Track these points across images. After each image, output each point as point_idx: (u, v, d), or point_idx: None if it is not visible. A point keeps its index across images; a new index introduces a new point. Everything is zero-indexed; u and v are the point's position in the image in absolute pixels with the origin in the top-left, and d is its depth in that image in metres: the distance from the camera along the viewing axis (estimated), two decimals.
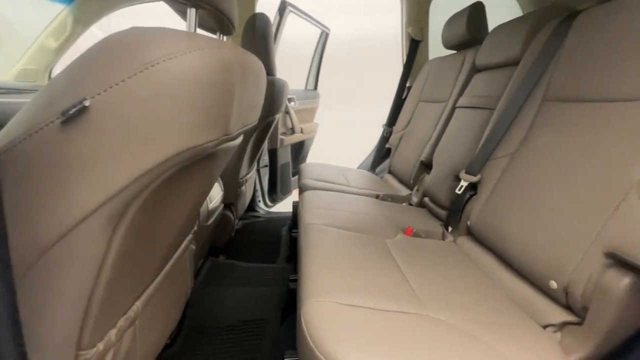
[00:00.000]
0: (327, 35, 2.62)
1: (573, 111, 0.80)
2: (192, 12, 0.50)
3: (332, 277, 0.69)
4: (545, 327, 0.67)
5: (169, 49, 0.37)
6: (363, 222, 1.07)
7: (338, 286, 0.65)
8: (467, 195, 1.05)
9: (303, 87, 2.75)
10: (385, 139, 2.04)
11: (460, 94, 1.38)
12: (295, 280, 1.16)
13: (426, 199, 1.37)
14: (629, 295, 0.57)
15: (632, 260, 0.56)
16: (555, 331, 0.66)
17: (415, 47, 1.89)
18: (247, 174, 1.59)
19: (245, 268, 1.40)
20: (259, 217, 2.08)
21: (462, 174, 1.07)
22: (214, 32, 0.73)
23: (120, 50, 0.36)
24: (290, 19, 2.13)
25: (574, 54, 0.85)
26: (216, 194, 1.26)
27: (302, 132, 2.52)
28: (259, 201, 2.29)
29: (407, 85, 1.96)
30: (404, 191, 1.60)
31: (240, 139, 0.73)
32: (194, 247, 0.92)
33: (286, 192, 2.45)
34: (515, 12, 2.06)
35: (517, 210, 0.83)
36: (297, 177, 2.61)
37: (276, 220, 2.00)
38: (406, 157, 1.67)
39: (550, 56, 0.91)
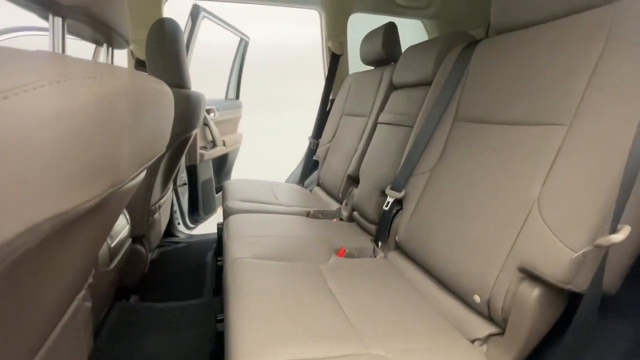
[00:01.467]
0: (246, 43, 2.52)
1: (479, 132, 0.87)
2: (57, 23, 0.37)
3: (265, 326, 0.62)
4: (473, 341, 0.70)
5: (11, 80, 0.26)
6: (295, 247, 1.01)
7: (273, 337, 0.58)
8: (394, 211, 1.08)
9: (223, 97, 2.59)
10: (312, 151, 2.03)
11: (381, 109, 1.44)
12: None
13: (355, 214, 1.39)
14: (540, 304, 0.62)
15: (538, 273, 0.61)
16: (482, 344, 0.70)
17: (335, 60, 1.93)
18: (161, 198, 1.40)
19: (164, 309, 1.22)
20: (179, 242, 1.87)
21: (388, 190, 1.09)
22: (101, 44, 0.59)
23: None
24: (208, 25, 1.98)
25: (476, 79, 0.93)
26: (121, 228, 1.06)
27: (224, 144, 2.36)
28: (179, 224, 2.06)
29: (331, 97, 1.99)
30: (333, 205, 1.60)
31: (144, 174, 0.61)
32: (89, 303, 0.74)
33: (209, 211, 2.26)
34: (422, 33, 2.27)
35: (439, 225, 0.87)
36: (221, 193, 2.43)
37: (199, 245, 1.82)
38: (334, 170, 1.67)
39: (457, 79, 0.98)
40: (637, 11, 0.60)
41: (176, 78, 1.27)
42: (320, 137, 1.99)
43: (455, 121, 0.97)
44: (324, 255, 1.00)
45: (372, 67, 1.73)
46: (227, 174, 2.64)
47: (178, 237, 1.94)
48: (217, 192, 2.39)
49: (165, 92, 0.55)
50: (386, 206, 1.09)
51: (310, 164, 2.05)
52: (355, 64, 2.03)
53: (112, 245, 0.97)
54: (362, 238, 1.21)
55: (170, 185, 1.59)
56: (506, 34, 0.88)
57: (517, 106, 0.78)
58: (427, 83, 1.18)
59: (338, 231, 1.25)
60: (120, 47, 0.58)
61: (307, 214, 1.42)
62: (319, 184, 1.90)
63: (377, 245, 1.13)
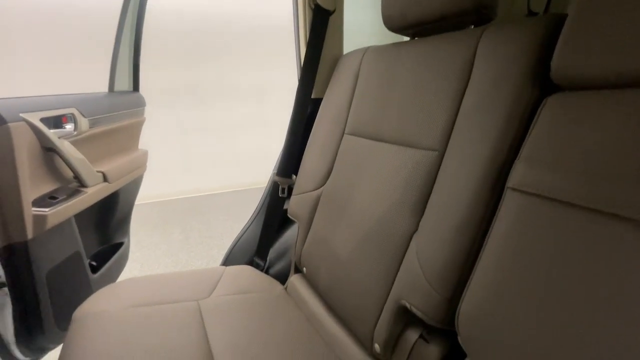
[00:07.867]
0: None
1: None
2: None
3: None
4: None
5: None
6: None
7: None
8: None
9: (106, 88, 1.44)
10: (278, 200, 1.05)
11: (513, 140, 0.53)
12: None
13: None
14: None
15: None
16: None
17: (322, 23, 0.97)
18: None
19: None
20: None
21: None
22: None
23: None
24: None
25: None
26: None
27: (105, 179, 1.25)
28: None
29: (313, 97, 1.03)
30: (350, 350, 0.68)
31: None
32: None
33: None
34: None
35: None
36: (103, 271, 1.32)
37: None
38: (344, 262, 0.74)
39: None
40: None
41: None
42: (294, 173, 1.03)
43: None
44: None
45: (408, 38, 0.82)
46: (121, 227, 1.51)
47: None
48: (95, 271, 1.27)
49: None
50: None
51: (277, 223, 1.07)
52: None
53: None
54: None
55: None
56: None
57: None
58: None
59: None
60: None
61: None
62: (300, 271, 0.95)
63: None
